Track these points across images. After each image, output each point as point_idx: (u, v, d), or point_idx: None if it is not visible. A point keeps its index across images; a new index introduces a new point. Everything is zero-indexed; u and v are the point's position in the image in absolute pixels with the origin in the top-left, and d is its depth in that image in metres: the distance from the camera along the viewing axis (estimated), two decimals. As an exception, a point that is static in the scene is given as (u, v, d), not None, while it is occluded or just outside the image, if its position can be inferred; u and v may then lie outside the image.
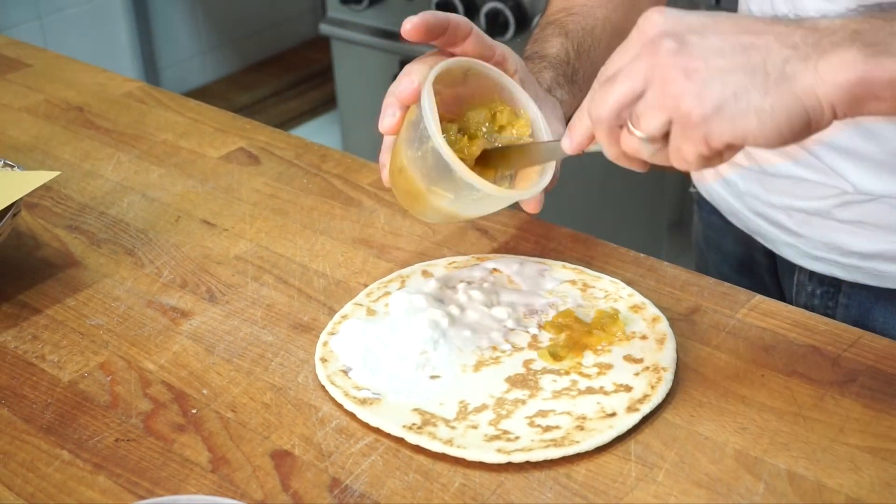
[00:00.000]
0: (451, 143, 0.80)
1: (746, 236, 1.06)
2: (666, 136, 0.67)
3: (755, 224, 1.03)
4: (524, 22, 1.97)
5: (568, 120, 0.88)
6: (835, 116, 0.64)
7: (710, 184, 1.09)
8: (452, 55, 0.85)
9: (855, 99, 0.62)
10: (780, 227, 1.00)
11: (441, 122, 0.79)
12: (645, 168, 0.71)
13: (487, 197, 0.80)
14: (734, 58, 0.63)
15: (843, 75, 0.62)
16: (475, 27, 0.85)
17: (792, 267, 1.02)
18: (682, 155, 0.66)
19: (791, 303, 1.02)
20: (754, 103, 0.63)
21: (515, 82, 0.86)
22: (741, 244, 1.08)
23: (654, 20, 0.67)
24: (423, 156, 0.79)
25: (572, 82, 0.97)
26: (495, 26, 2.00)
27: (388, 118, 0.82)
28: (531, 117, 0.85)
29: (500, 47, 0.87)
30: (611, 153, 0.71)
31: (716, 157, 0.66)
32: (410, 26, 0.81)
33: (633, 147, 0.68)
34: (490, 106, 0.85)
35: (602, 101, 0.68)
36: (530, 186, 0.84)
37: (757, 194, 1.01)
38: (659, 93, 0.65)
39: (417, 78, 0.81)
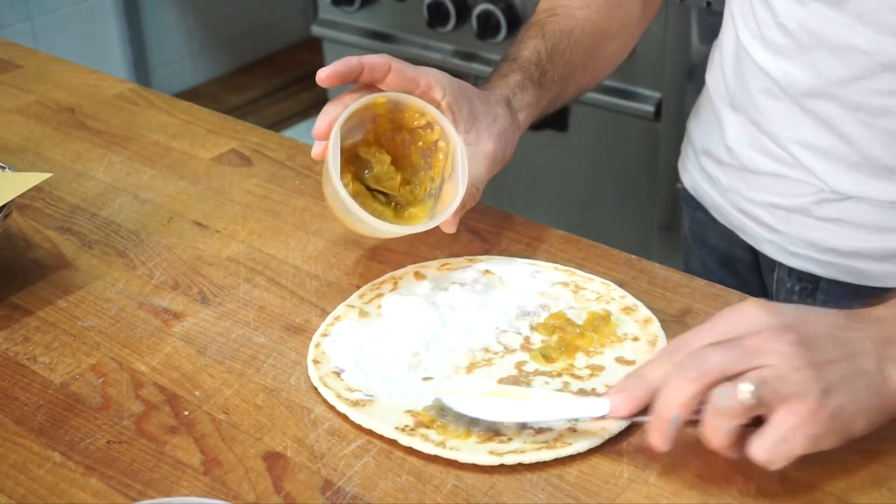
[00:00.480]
0: (373, 177, 0.88)
1: (729, 232, 1.07)
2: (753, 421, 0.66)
3: (738, 220, 1.04)
4: (515, 24, 1.97)
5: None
6: None
7: (696, 180, 1.10)
8: (379, 89, 0.88)
9: None
10: (761, 224, 1.01)
11: (371, 150, 0.88)
12: (736, 454, 0.68)
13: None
14: (842, 354, 0.67)
15: None
16: (395, 62, 0.87)
17: (772, 263, 1.03)
18: (787, 447, 0.65)
19: (772, 298, 1.02)
20: (864, 404, 0.67)
21: (438, 111, 0.88)
22: (724, 240, 1.09)
23: (754, 312, 0.68)
24: (333, 194, 0.85)
25: (539, 84, 0.98)
26: (487, 28, 2.00)
27: (315, 148, 0.89)
28: (451, 148, 0.87)
29: (425, 77, 0.88)
30: (722, 440, 0.67)
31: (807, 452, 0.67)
32: (325, 76, 0.86)
33: (724, 402, 0.65)
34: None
35: (708, 356, 0.66)
36: (443, 210, 0.87)
37: (739, 191, 1.02)
38: (785, 374, 0.65)
39: (333, 115, 0.86)
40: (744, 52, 0.99)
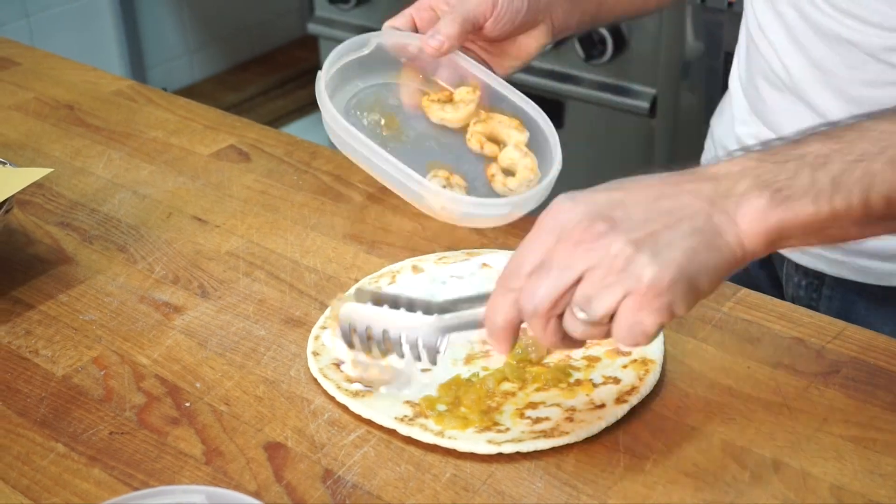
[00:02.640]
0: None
1: None
2: (611, 317, 0.65)
3: None
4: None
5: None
6: (760, 256, 0.67)
7: None
8: None
9: (771, 243, 0.66)
10: None
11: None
12: (581, 346, 0.70)
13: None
14: (665, 224, 0.65)
15: (761, 226, 0.65)
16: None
17: (781, 258, 1.04)
18: (641, 328, 0.64)
19: (782, 292, 1.04)
20: (702, 261, 0.64)
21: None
22: None
23: (567, 207, 0.67)
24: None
25: None
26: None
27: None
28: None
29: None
30: (548, 341, 0.67)
31: (667, 322, 0.65)
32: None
33: (578, 331, 0.66)
34: None
35: (534, 293, 0.65)
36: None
37: None
38: (606, 272, 0.64)
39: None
40: (752, 42, 1.01)
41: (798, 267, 1.02)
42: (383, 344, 0.73)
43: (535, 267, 0.66)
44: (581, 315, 0.65)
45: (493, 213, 0.94)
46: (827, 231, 0.67)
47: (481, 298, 0.70)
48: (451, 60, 1.00)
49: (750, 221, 0.65)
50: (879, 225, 0.68)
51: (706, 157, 1.16)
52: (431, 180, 0.95)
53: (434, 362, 0.72)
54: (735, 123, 1.06)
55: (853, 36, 0.89)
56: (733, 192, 0.66)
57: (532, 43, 1.01)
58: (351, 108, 1.00)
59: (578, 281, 0.65)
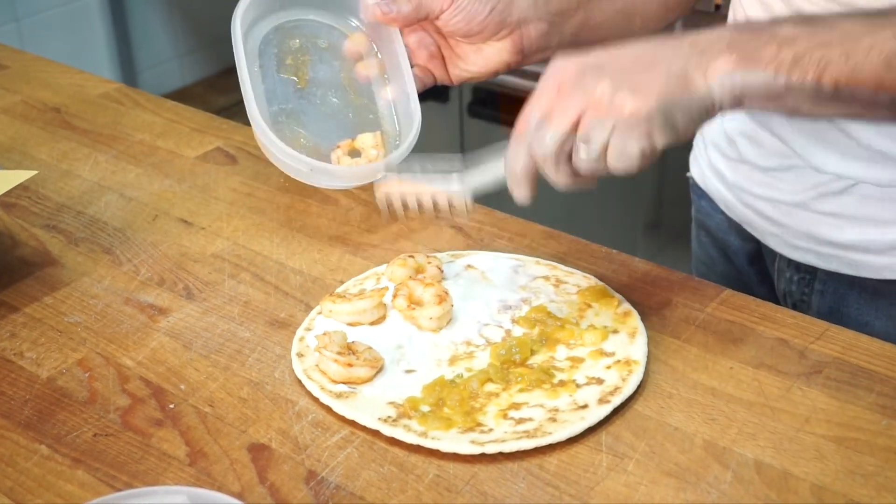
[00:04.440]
0: None
1: (729, 222, 1.09)
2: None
3: (743, 213, 1.06)
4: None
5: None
6: (727, 109, 0.76)
7: (705, 172, 1.12)
8: None
9: (736, 99, 0.75)
10: (764, 217, 1.03)
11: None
12: (594, 184, 0.80)
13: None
14: (644, 68, 0.75)
15: (727, 79, 0.74)
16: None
17: (773, 254, 1.05)
18: (627, 154, 0.75)
19: (773, 287, 1.05)
20: (676, 99, 0.74)
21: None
22: (723, 230, 1.12)
23: (563, 65, 0.78)
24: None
25: None
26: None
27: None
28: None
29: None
30: (561, 182, 0.78)
31: (653, 151, 0.76)
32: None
33: (584, 166, 0.77)
34: None
35: (543, 140, 0.76)
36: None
37: (743, 186, 1.04)
38: (597, 111, 0.75)
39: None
40: None
41: (790, 262, 1.03)
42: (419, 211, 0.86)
43: (541, 117, 0.77)
44: (583, 152, 0.76)
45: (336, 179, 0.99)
46: (783, 100, 0.75)
47: (498, 152, 0.81)
48: (390, 40, 1.00)
49: (719, 74, 0.74)
50: (828, 106, 0.76)
51: (695, 154, 1.16)
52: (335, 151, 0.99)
53: (468, 215, 0.89)
54: (724, 119, 1.07)
55: None
56: (708, 51, 0.75)
57: (495, 56, 0.99)
58: (279, 32, 1.02)
59: (577, 124, 0.75)
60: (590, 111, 0.75)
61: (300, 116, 1.00)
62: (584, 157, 0.76)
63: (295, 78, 1.01)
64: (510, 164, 0.79)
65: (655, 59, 0.76)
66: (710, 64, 0.75)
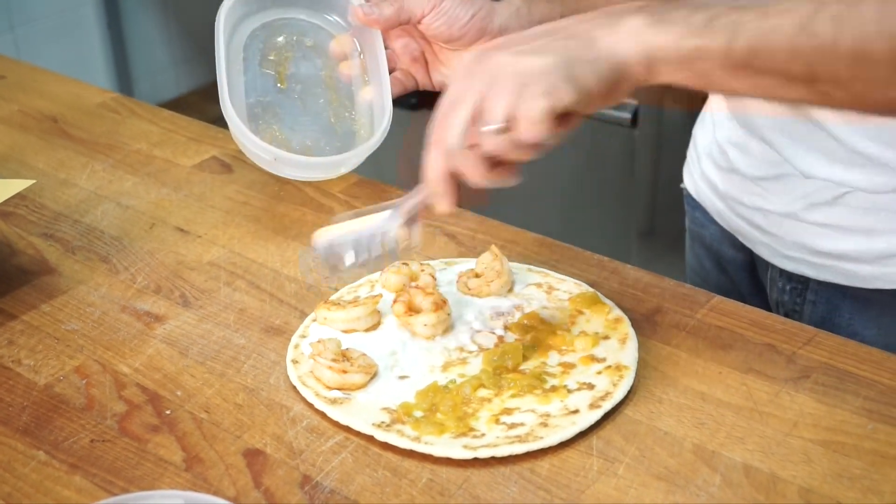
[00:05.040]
0: None
1: (723, 233, 1.10)
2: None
3: (736, 223, 1.07)
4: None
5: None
6: (640, 75, 0.73)
7: (698, 183, 1.12)
8: None
9: (648, 62, 0.72)
10: (756, 228, 1.04)
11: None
12: (513, 176, 0.77)
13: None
14: (546, 38, 0.74)
15: (635, 39, 0.72)
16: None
17: (766, 264, 1.06)
18: (530, 115, 0.71)
19: (766, 297, 1.06)
20: (578, 55, 0.72)
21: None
22: (717, 240, 1.13)
23: (467, 58, 0.79)
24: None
25: None
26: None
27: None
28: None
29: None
30: (478, 176, 0.75)
31: (562, 111, 0.72)
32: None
33: (492, 145, 0.73)
34: None
35: (448, 132, 0.74)
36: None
37: (735, 196, 1.05)
38: (495, 84, 0.72)
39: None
40: None
41: (782, 272, 1.04)
42: (357, 255, 0.82)
43: (446, 111, 0.74)
44: (486, 128, 0.72)
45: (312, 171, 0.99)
46: (694, 65, 0.72)
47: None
48: (372, 43, 1.00)
49: (626, 33, 0.72)
50: (742, 76, 0.72)
51: (688, 165, 1.17)
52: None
53: (396, 256, 0.83)
54: (716, 129, 1.08)
55: None
56: (617, 14, 0.74)
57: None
58: (266, 28, 1.03)
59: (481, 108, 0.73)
60: (491, 88, 0.72)
61: (276, 110, 1.01)
62: (489, 131, 0.72)
63: (275, 73, 1.02)
64: (427, 171, 0.76)
65: (559, 28, 0.75)
66: (618, 25, 0.73)
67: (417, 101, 2.13)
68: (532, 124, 0.71)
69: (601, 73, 0.72)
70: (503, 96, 0.71)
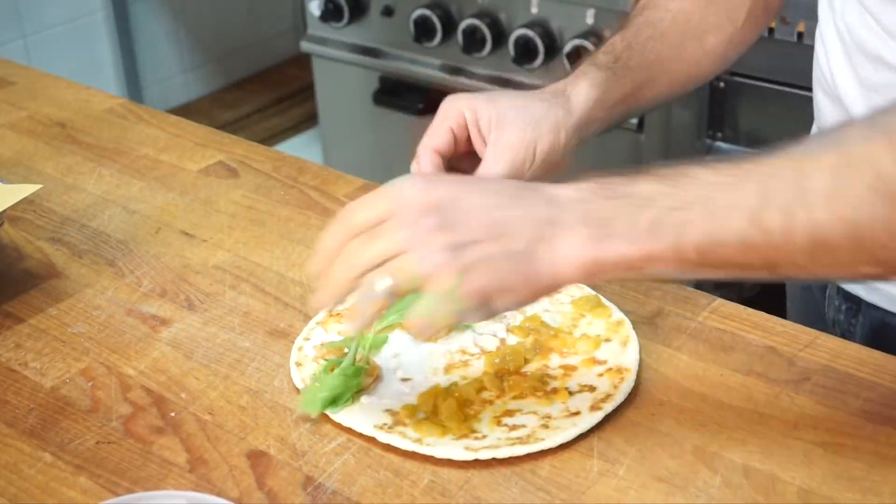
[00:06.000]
0: None
1: None
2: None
3: None
4: (500, 38, 2.01)
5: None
6: (578, 282, 0.73)
7: None
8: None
9: (588, 274, 0.70)
10: None
11: None
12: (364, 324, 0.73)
13: None
14: (490, 235, 0.69)
15: (576, 259, 0.69)
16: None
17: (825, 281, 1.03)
18: (430, 324, 0.70)
19: (823, 312, 1.04)
20: (507, 286, 0.69)
21: None
22: None
23: (410, 186, 0.71)
24: None
25: (609, 69, 0.95)
26: (473, 42, 2.03)
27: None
28: None
29: (451, 131, 0.89)
30: (333, 297, 0.72)
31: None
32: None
33: (369, 298, 0.70)
34: None
35: (358, 253, 0.70)
36: None
37: None
38: (419, 262, 0.69)
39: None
40: (814, 51, 1.02)
41: (840, 290, 1.01)
42: None
43: (364, 228, 0.70)
44: (382, 282, 0.69)
45: None
46: (643, 269, 0.69)
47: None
48: None
49: (566, 254, 0.69)
50: (697, 272, 0.70)
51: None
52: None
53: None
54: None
55: (894, 58, 0.88)
56: (560, 222, 0.69)
57: (549, 176, 0.90)
58: None
59: (393, 257, 0.69)
60: (413, 255, 0.69)
61: None
62: (382, 287, 0.69)
63: None
64: (318, 256, 0.73)
65: (506, 220, 0.70)
66: (558, 241, 0.69)
67: (424, 106, 2.15)
68: (423, 331, 0.71)
69: (524, 299, 0.71)
70: (414, 281, 0.69)
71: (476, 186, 0.74)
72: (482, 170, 0.87)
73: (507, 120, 0.88)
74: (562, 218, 0.69)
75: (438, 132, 0.88)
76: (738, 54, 1.05)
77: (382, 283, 0.69)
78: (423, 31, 2.09)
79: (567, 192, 0.71)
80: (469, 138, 0.89)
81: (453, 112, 0.89)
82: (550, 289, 0.72)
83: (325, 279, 0.72)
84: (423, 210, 0.70)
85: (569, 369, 0.83)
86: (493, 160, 0.86)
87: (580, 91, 0.92)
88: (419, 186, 0.72)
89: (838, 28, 0.95)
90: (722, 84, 1.81)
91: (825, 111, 1.01)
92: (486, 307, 0.70)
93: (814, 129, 1.06)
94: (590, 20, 1.91)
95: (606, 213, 0.69)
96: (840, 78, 0.96)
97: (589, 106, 0.92)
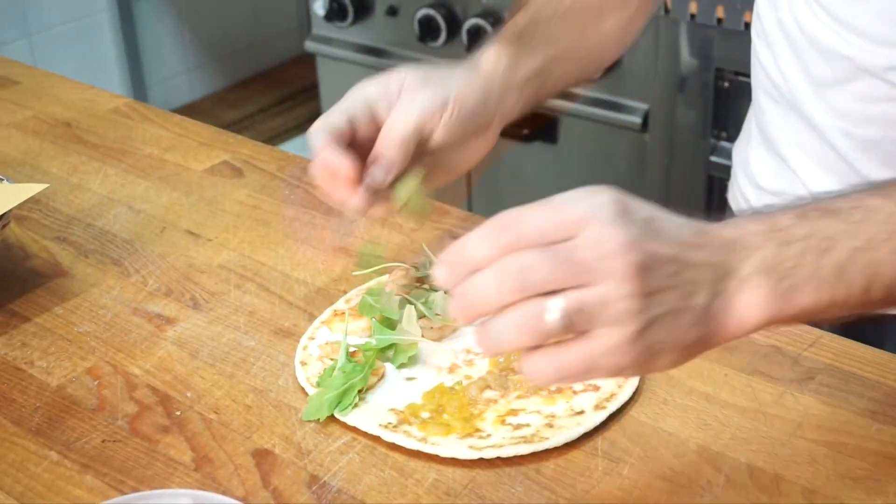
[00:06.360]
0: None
1: None
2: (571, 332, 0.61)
3: None
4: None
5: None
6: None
7: (737, 198, 1.11)
8: None
9: (763, 327, 0.64)
10: None
11: None
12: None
13: None
14: (680, 296, 0.61)
15: (756, 315, 0.63)
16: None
17: None
18: (586, 375, 0.62)
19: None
20: (680, 342, 0.62)
21: None
22: None
23: (609, 214, 0.61)
24: None
25: (517, 39, 0.93)
26: (477, 42, 2.03)
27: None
28: None
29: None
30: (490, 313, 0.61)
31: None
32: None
33: (542, 328, 0.60)
34: None
35: (542, 268, 0.59)
36: None
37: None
38: (607, 301, 0.59)
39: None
40: (755, 54, 1.02)
41: None
42: None
43: (541, 240, 0.60)
44: (554, 310, 0.59)
45: None
46: (823, 315, 0.66)
47: None
48: None
49: (745, 310, 0.63)
50: (875, 308, 0.66)
51: (731, 181, 1.14)
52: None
53: None
54: (749, 145, 1.07)
55: (850, 50, 0.90)
56: (738, 273, 0.63)
57: (478, 151, 0.90)
58: None
59: (575, 287, 0.59)
60: (605, 289, 0.59)
61: None
62: (554, 320, 0.59)
63: None
64: (460, 251, 0.62)
65: (692, 280, 0.61)
66: (737, 297, 0.62)
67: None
68: (567, 382, 0.64)
69: (704, 349, 0.64)
70: (589, 323, 0.59)
71: (667, 217, 0.64)
72: (386, 130, 0.83)
73: (412, 86, 0.86)
74: (739, 269, 0.63)
75: (336, 111, 0.85)
76: (632, 38, 1.04)
77: (554, 314, 0.59)
78: (427, 30, 2.09)
79: (743, 237, 0.64)
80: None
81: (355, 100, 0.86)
82: (713, 344, 0.64)
83: (470, 288, 0.61)
84: (627, 244, 0.60)
85: (573, 369, 0.83)
86: (404, 117, 0.83)
87: (488, 56, 0.90)
88: (621, 208, 0.61)
89: (784, 25, 0.95)
90: (726, 84, 1.81)
91: (769, 113, 1.00)
92: (648, 365, 0.62)
93: (753, 133, 1.05)
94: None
95: (786, 262, 0.63)
96: (790, 77, 0.96)
97: (500, 71, 0.89)
